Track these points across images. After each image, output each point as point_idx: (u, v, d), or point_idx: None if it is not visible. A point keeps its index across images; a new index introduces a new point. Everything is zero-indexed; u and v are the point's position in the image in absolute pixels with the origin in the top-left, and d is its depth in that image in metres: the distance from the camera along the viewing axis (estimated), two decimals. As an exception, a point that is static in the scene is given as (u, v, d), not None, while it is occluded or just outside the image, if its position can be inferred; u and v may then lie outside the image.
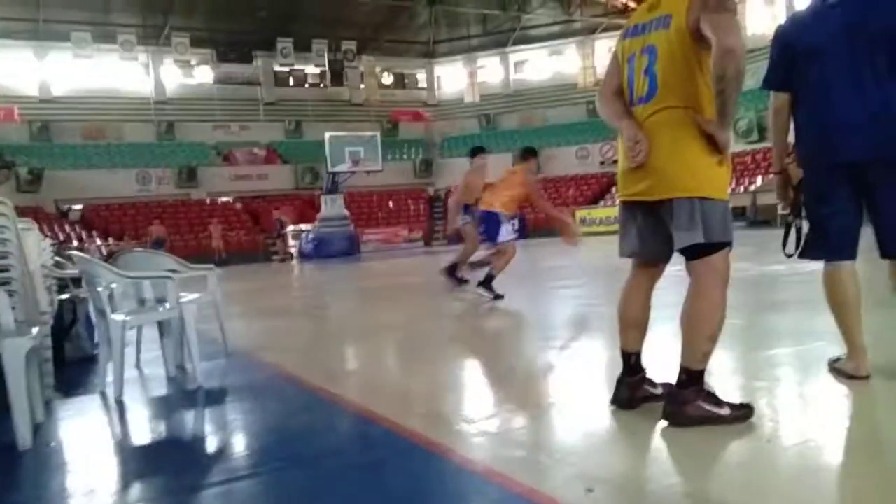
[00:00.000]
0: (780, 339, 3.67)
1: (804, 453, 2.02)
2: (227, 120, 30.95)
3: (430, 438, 2.34)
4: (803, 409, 2.50)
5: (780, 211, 18.53)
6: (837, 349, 2.82)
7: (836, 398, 2.61)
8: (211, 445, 2.64)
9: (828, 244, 2.71)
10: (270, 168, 29.95)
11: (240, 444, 2.62)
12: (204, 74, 30.93)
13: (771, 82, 2.84)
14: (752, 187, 23.16)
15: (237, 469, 2.27)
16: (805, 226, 2.78)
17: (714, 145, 2.22)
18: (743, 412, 2.26)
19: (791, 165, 2.86)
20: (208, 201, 27.88)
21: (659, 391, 2.47)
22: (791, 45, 2.74)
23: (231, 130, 30.96)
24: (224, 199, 28.47)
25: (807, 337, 3.44)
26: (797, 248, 2.80)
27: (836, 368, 2.76)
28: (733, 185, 22.25)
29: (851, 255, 2.69)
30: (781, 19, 28.26)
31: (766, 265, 8.05)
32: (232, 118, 31.12)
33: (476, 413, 2.70)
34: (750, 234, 13.40)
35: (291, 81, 33.30)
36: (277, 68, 32.19)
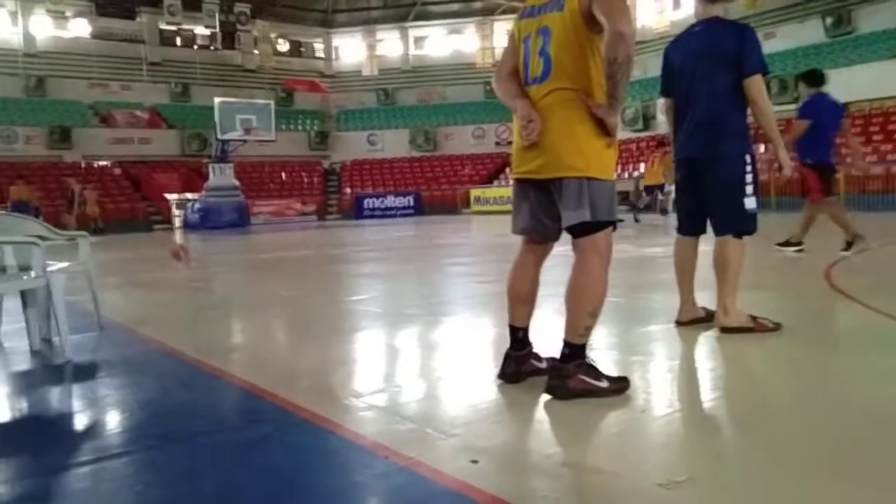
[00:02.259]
0: (655, 316, 3.88)
1: (674, 422, 2.15)
2: (106, 78, 28.78)
3: (318, 413, 2.31)
4: (673, 382, 2.66)
5: (658, 196, 19.60)
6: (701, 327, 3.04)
7: (703, 371, 2.82)
8: (78, 423, 2.47)
9: (678, 221, 3.56)
10: (154, 132, 28.20)
11: (111, 422, 2.46)
12: (80, 28, 28.54)
13: (661, 90, 3.60)
14: (636, 173, 24.28)
15: (107, 448, 2.14)
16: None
17: (603, 128, 2.29)
18: (620, 385, 2.37)
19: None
20: (83, 164, 25.93)
21: (544, 365, 2.54)
22: (668, 60, 3.51)
23: (110, 90, 28.79)
24: (102, 162, 26.54)
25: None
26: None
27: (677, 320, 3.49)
28: (618, 172, 23.23)
29: (689, 231, 3.48)
30: (669, 14, 29.63)
31: (646, 247, 8.50)
32: (111, 77, 28.97)
33: (364, 387, 2.68)
34: (631, 218, 14.06)
35: (179, 41, 31.42)
36: (163, 27, 30.28)
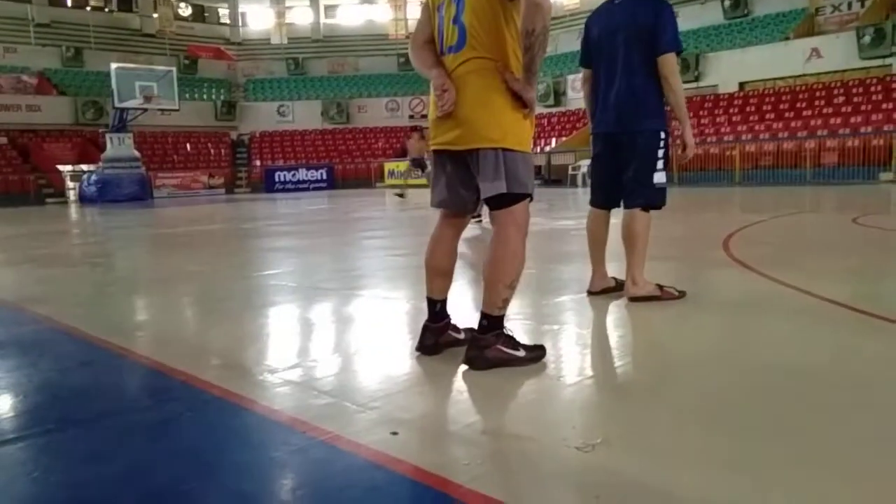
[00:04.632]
0: (567, 286, 3.99)
1: (587, 388, 2.22)
2: (-12, 40, 26.62)
3: (230, 390, 2.23)
4: (586, 349, 2.74)
5: (570, 171, 20.08)
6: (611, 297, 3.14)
7: (613, 339, 2.92)
8: (-35, 409, 2.28)
9: (592, 193, 3.63)
10: (43, 99, 26.34)
11: (3, 406, 2.29)
12: (-45, -18, 26.18)
13: (580, 60, 3.58)
14: (548, 148, 24.78)
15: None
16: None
17: (520, 101, 2.29)
18: (537, 353, 2.42)
19: None
20: (-37, 133, 23.96)
21: (462, 336, 2.56)
22: (588, 31, 3.50)
23: (-8, 52, 26.67)
24: (-16, 131, 24.60)
25: (587, 285, 3.76)
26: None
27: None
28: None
29: (600, 204, 3.57)
30: (578, -11, 30.03)
31: (558, 220, 8.70)
32: (-7, 38, 26.81)
33: (279, 363, 2.61)
34: (543, 192, 14.38)
35: (69, 2, 29.33)
36: (52, -16, 28.20)
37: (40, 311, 3.79)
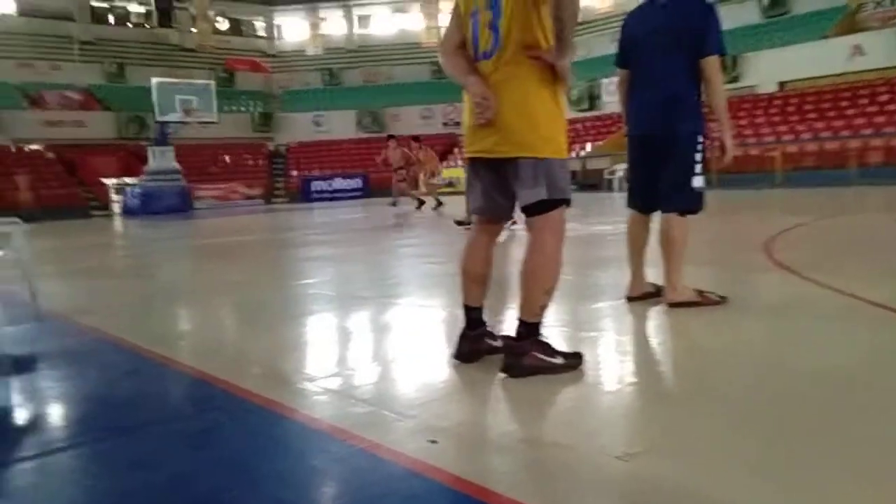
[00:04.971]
0: (605, 292, 3.95)
1: (627, 395, 2.20)
2: (35, 58, 27.48)
3: (271, 398, 2.26)
4: (625, 356, 2.71)
5: (605, 176, 19.93)
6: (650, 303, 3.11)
7: (653, 345, 2.89)
8: (18, 417, 2.37)
9: (630, 197, 3.55)
10: (88, 114, 27.12)
11: (54, 415, 2.37)
12: (5, 4, 27.11)
13: (616, 60, 3.51)
14: (583, 153, 24.60)
15: (51, 442, 2.06)
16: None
17: (554, 88, 2.29)
18: (574, 361, 2.40)
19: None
20: (13, 149, 24.74)
21: (499, 344, 2.55)
22: (627, 31, 3.43)
23: (38, 70, 27.50)
24: (33, 146, 25.36)
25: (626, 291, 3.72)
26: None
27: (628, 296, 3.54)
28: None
29: (643, 209, 3.50)
30: (608, -7, 29.81)
31: (594, 226, 8.63)
32: (40, 56, 27.66)
33: (318, 371, 2.64)
34: (579, 197, 14.28)
35: (112, 19, 30.19)
36: (95, 3, 29.11)
37: (87, 321, 3.90)
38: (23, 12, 27.25)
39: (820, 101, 20.96)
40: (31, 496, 1.69)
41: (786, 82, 23.03)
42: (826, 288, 3.61)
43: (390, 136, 15.90)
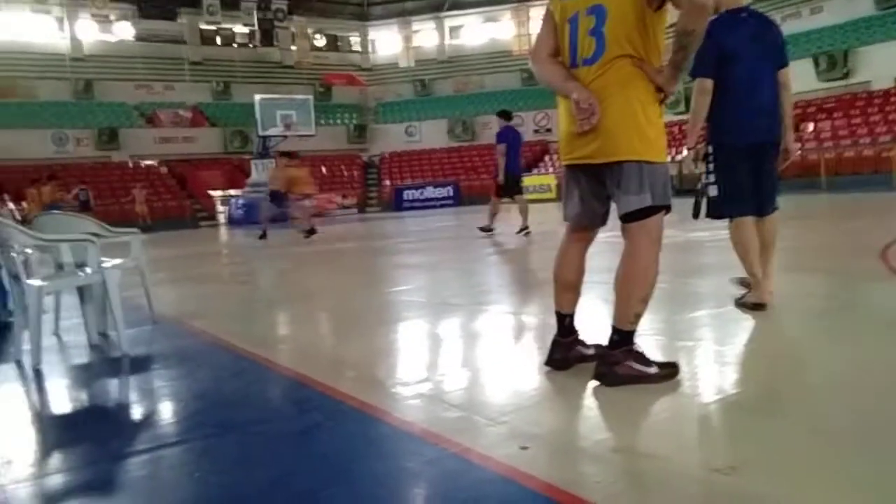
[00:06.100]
0: (703, 301, 3.81)
1: (723, 407, 2.11)
2: (150, 79, 29.48)
3: (365, 401, 2.33)
4: (722, 367, 2.61)
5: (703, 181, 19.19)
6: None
7: (752, 356, 2.76)
8: (136, 413, 2.55)
9: (739, 205, 3.41)
10: (197, 130, 28.82)
11: (167, 412, 2.54)
12: (124, 31, 29.23)
13: (705, 71, 3.38)
14: (679, 157, 23.80)
15: (165, 437, 2.20)
16: (712, 191, 3.45)
17: (654, 93, 2.27)
18: (669, 371, 2.33)
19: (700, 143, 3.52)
20: (131, 164, 26.64)
21: (591, 352, 2.52)
22: (719, 42, 3.28)
23: (154, 90, 29.49)
24: (148, 162, 27.22)
25: (726, 299, 3.57)
26: (705, 212, 3.50)
27: (742, 303, 3.35)
28: (661, 155, 22.80)
29: (754, 212, 3.41)
30: None
31: (691, 232, 8.32)
32: (155, 78, 29.65)
33: (411, 376, 2.70)
34: (676, 203, 13.80)
35: (219, 40, 31.90)
36: (203, 26, 30.80)
37: (197, 325, 4.15)
38: (139, 37, 29.30)
39: (942, 97, 19.37)
40: (145, 487, 1.82)
41: (903, 77, 21.43)
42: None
43: (283, 154, 14.43)
